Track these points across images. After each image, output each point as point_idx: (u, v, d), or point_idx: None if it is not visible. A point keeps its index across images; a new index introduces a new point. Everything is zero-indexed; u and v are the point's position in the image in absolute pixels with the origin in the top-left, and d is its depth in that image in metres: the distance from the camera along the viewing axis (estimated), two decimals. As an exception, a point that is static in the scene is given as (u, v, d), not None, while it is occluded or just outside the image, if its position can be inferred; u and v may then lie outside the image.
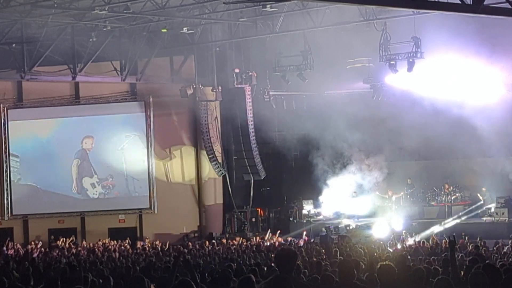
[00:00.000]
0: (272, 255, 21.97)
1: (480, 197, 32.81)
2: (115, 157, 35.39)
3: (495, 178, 32.12)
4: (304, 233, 31.90)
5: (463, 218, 32.04)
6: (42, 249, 30.42)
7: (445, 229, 30.33)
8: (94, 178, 35.48)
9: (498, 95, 30.96)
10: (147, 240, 32.60)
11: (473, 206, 32.81)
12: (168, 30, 32.73)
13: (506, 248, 23.40)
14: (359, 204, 34.05)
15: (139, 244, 31.21)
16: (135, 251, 27.99)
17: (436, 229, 30.32)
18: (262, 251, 24.87)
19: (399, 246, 25.75)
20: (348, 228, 32.36)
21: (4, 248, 29.52)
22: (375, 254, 17.59)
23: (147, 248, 28.98)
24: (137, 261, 21.80)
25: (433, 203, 33.66)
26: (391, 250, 23.42)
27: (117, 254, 25.70)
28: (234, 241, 30.81)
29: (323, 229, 32.32)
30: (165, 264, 17.23)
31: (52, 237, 33.41)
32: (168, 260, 20.81)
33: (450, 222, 31.47)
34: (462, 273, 11.56)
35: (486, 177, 32.35)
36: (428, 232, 29.50)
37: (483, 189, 32.87)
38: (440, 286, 9.01)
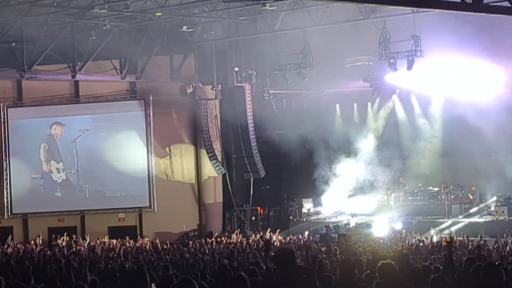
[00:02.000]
0: (272, 254, 21.93)
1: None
2: (115, 156, 35.39)
3: (495, 176, 32.10)
4: (306, 232, 31.89)
5: (463, 216, 32.00)
6: (42, 246, 30.43)
7: (445, 228, 30.33)
8: (60, 164, 35.49)
9: (498, 94, 30.93)
10: (146, 239, 32.57)
11: (469, 205, 32.77)
12: (168, 28, 32.72)
13: (507, 247, 23.36)
14: (359, 202, 34.04)
15: (139, 242, 31.18)
16: (135, 249, 27.94)
17: (436, 227, 30.28)
18: (262, 249, 24.83)
19: (399, 245, 25.71)
20: (348, 226, 32.35)
21: (5, 246, 29.50)
22: (378, 252, 17.57)
23: (147, 247, 28.95)
24: (137, 259, 21.77)
25: (432, 201, 33.60)
26: (392, 249, 23.38)
27: (118, 252, 25.68)
28: (228, 239, 30.81)
29: (323, 227, 32.33)
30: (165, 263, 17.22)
31: (54, 235, 33.35)
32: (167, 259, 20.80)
33: (450, 221, 31.45)
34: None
35: (486, 176, 32.32)
36: (428, 230, 29.46)
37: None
38: (437, 284, 9.01)
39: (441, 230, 29.81)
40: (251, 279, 8.42)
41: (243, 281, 7.96)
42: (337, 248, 21.12)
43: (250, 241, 29.17)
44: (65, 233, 32.51)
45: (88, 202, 35.51)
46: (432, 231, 29.15)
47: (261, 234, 32.16)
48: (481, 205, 32.38)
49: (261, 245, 26.51)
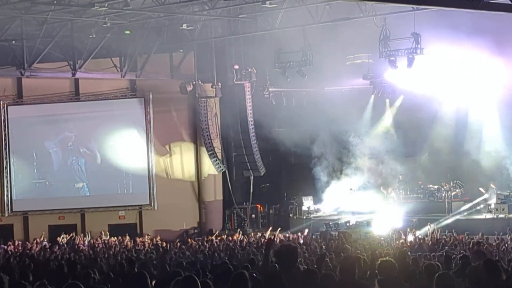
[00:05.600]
0: (276, 249, 21.90)
1: (484, 191, 32.50)
2: (115, 154, 35.40)
3: (495, 174, 32.06)
4: (306, 230, 31.87)
5: (463, 214, 31.94)
6: (45, 242, 30.53)
7: (445, 225, 30.30)
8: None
9: (499, 90, 30.91)
10: (147, 237, 32.60)
11: (477, 201, 32.53)
12: (168, 26, 32.73)
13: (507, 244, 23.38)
14: (359, 200, 34.02)
15: (139, 240, 31.22)
16: (134, 248, 27.96)
17: (436, 225, 30.26)
18: (263, 247, 24.81)
19: (399, 242, 25.71)
20: (348, 224, 32.33)
21: (5, 246, 29.55)
22: (377, 251, 17.56)
23: (147, 245, 28.97)
24: (137, 257, 21.78)
25: (432, 199, 33.58)
26: (391, 246, 23.38)
27: (117, 250, 25.70)
28: (230, 237, 30.80)
29: (323, 225, 32.33)
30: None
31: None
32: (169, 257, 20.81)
33: (450, 218, 31.42)
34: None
35: (487, 174, 32.28)
36: (427, 228, 29.41)
37: (491, 184, 32.38)
38: (441, 281, 9.02)
39: (442, 228, 29.76)
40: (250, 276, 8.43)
41: (244, 279, 7.96)
42: (337, 246, 21.14)
43: (251, 240, 29.16)
44: (72, 234, 32.69)
45: (88, 200, 35.52)
46: (429, 228, 29.07)
47: (262, 234, 32.13)
48: (474, 202, 32.16)
49: (261, 244, 26.50)
